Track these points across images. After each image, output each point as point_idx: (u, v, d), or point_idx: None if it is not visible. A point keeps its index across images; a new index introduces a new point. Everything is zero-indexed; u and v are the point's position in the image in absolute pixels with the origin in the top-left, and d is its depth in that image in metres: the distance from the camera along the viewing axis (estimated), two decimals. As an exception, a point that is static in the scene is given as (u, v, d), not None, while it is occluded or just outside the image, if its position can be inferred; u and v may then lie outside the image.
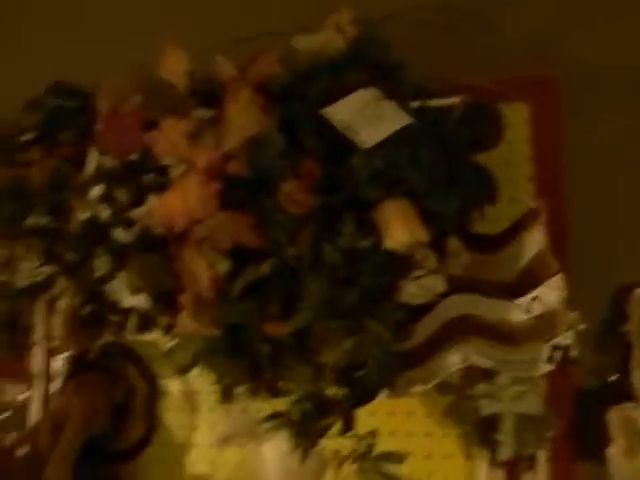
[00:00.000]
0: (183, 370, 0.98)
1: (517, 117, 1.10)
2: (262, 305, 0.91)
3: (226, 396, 0.99)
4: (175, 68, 1.01)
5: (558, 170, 1.08)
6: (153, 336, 1.08)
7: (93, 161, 1.06)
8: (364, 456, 0.93)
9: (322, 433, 0.93)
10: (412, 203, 0.91)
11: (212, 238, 0.91)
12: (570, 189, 1.08)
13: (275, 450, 1.10)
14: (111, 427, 1.21)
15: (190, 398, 1.21)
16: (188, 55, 1.01)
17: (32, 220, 1.09)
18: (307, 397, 0.92)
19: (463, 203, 0.96)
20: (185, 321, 0.93)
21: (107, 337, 1.11)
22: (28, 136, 1.13)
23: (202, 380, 1.15)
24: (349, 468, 0.96)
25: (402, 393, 0.96)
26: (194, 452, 1.21)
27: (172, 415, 1.22)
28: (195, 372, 1.01)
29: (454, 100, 1.01)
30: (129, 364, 1.24)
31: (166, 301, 0.98)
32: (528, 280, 0.94)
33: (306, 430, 0.93)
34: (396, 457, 0.90)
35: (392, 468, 0.90)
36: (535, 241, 0.95)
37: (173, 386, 1.22)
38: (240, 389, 0.98)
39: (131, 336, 1.07)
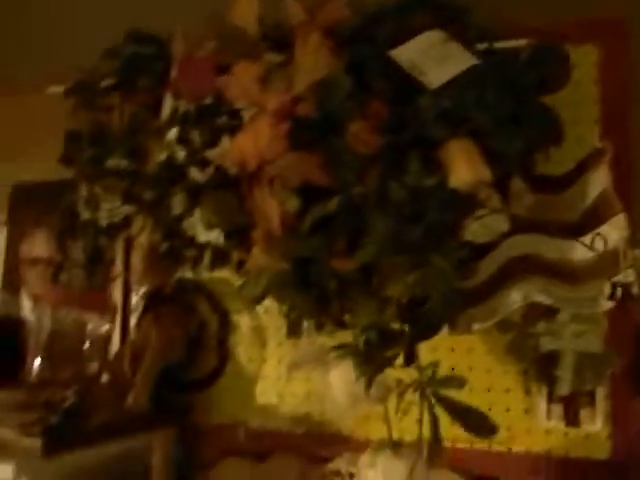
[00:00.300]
0: (254, 301, 1.02)
1: (585, 59, 1.09)
2: (329, 241, 0.93)
3: (294, 330, 1.03)
4: (246, 14, 1.04)
5: (625, 112, 1.07)
6: (225, 273, 1.13)
7: (169, 106, 1.10)
8: (426, 383, 0.95)
9: (386, 363, 0.96)
10: (477, 143, 0.92)
11: (282, 177, 0.94)
12: (636, 131, 1.07)
13: (341, 378, 1.14)
14: (186, 358, 1.28)
15: (259, 333, 1.26)
16: (259, 0, 1.03)
17: (112, 162, 1.15)
18: (371, 327, 0.96)
19: (527, 144, 0.96)
20: (257, 255, 0.97)
21: (182, 273, 1.16)
22: (108, 82, 1.17)
23: (270, 316, 1.21)
24: (411, 396, 0.99)
25: (463, 330, 0.98)
26: (263, 384, 1.27)
27: (242, 348, 1.28)
28: (264, 307, 1.05)
29: (521, 42, 1.01)
30: (201, 299, 1.30)
31: (238, 237, 1.02)
32: (591, 219, 0.94)
33: (371, 359, 0.96)
34: (457, 381, 0.92)
35: (452, 393, 0.92)
36: (599, 181, 0.95)
37: (243, 321, 1.28)
38: (307, 323, 1.02)
39: (205, 272, 1.11)
